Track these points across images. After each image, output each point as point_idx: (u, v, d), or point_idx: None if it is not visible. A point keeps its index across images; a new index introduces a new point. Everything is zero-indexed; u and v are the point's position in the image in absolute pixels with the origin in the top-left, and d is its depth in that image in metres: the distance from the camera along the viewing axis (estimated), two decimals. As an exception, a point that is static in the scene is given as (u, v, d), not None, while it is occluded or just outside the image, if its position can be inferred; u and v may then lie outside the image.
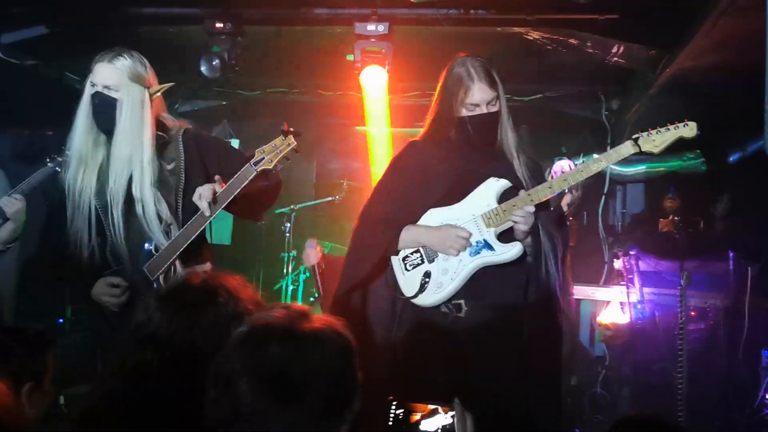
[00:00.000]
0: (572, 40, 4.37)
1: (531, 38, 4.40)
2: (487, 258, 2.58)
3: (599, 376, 4.88)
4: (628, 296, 4.73)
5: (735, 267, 4.49)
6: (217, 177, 2.61)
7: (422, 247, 2.66)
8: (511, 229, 2.60)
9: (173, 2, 4.33)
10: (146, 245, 2.61)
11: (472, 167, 2.66)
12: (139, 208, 2.59)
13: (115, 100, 2.57)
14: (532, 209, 2.52)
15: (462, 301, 2.60)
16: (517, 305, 2.62)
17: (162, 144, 2.67)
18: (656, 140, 2.49)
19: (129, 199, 2.60)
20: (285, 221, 5.98)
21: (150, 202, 2.59)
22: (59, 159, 2.85)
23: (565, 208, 4.53)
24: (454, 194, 2.67)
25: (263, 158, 2.58)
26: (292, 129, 2.59)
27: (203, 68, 4.38)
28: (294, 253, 6.02)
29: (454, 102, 2.61)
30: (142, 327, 1.58)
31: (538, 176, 2.70)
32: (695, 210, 4.59)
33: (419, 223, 2.70)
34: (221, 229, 6.19)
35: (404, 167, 2.79)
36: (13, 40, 4.56)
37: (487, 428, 2.35)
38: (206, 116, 6.58)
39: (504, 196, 2.61)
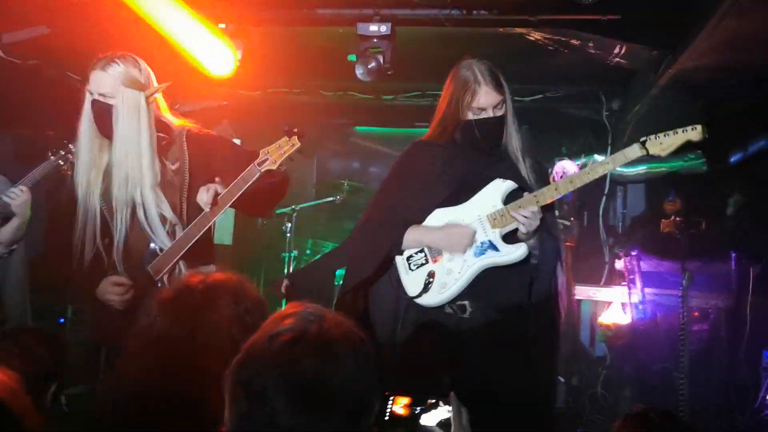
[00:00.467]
0: (574, 41, 4.37)
1: (533, 39, 4.40)
2: (491, 259, 2.59)
3: (600, 376, 4.89)
4: (629, 297, 4.74)
5: (737, 267, 4.50)
6: (218, 179, 2.61)
7: (426, 246, 2.66)
8: (515, 231, 2.60)
9: (175, 2, 4.32)
10: (151, 245, 2.62)
11: (478, 169, 2.67)
12: (140, 212, 2.60)
13: (111, 106, 2.57)
14: (538, 210, 2.53)
15: (466, 302, 2.61)
16: (521, 306, 2.63)
17: (164, 145, 2.67)
18: (663, 143, 2.50)
19: (132, 203, 2.61)
20: (286, 221, 5.98)
21: (151, 205, 2.60)
22: (62, 153, 2.85)
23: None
24: (459, 195, 2.68)
25: (267, 159, 2.58)
26: (296, 129, 2.59)
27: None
28: (295, 253, 6.02)
29: (461, 105, 2.61)
30: (144, 331, 1.57)
31: (542, 178, 2.72)
32: (697, 210, 4.59)
33: (424, 223, 2.70)
34: (222, 230, 6.20)
35: (409, 167, 2.80)
36: (14, 40, 4.55)
37: (489, 428, 2.37)
38: (207, 116, 6.56)
39: (509, 198, 2.62)
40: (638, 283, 4.73)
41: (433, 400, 1.66)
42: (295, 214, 5.98)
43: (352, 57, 4.41)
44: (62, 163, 2.83)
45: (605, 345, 4.94)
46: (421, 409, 1.65)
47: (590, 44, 4.37)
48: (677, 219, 4.36)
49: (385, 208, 2.78)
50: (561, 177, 5.28)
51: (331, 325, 1.32)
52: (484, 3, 4.04)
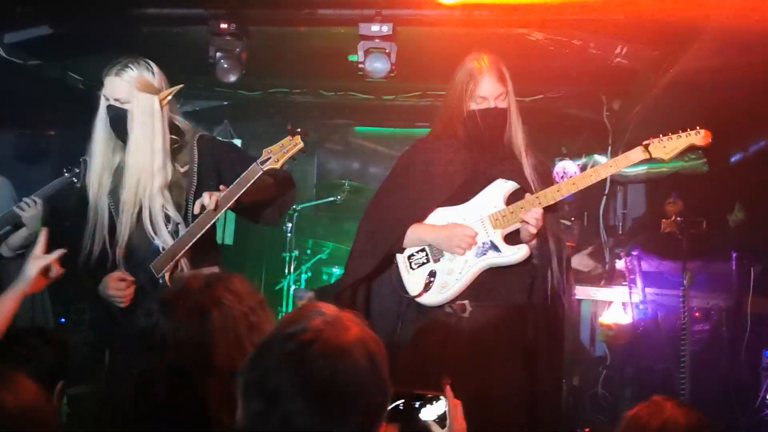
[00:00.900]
0: (575, 41, 4.38)
1: (534, 39, 4.40)
2: (493, 259, 2.59)
3: (600, 376, 4.89)
4: (630, 297, 4.74)
5: (738, 268, 4.49)
6: (222, 186, 2.64)
7: (428, 246, 2.66)
8: (516, 231, 2.60)
9: (177, 3, 4.32)
10: (154, 243, 2.64)
11: (480, 167, 2.67)
12: (145, 213, 2.64)
13: (126, 111, 2.62)
14: (540, 211, 2.52)
15: (466, 302, 2.61)
16: (521, 307, 2.63)
17: (176, 147, 2.70)
18: (667, 147, 2.51)
19: (140, 203, 2.65)
20: (286, 221, 5.99)
21: (157, 205, 2.64)
22: (77, 170, 2.90)
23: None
24: (461, 194, 2.68)
25: (270, 158, 2.60)
26: (299, 129, 2.60)
27: (219, 72, 4.37)
28: (296, 253, 6.03)
29: (464, 96, 2.62)
30: (146, 333, 1.55)
31: (545, 178, 2.71)
32: (697, 211, 4.59)
33: (426, 222, 2.69)
34: (224, 230, 6.20)
35: (412, 165, 2.80)
36: (16, 40, 4.56)
37: (488, 429, 2.37)
38: (207, 116, 6.58)
39: (512, 198, 2.62)
40: (639, 283, 4.73)
41: (431, 395, 1.68)
42: (295, 215, 5.99)
43: (352, 57, 4.41)
44: (75, 180, 2.89)
45: (606, 345, 4.93)
46: (419, 404, 1.66)
47: (591, 44, 4.37)
48: (678, 219, 4.36)
49: (387, 206, 2.78)
50: (561, 177, 5.30)
51: (347, 326, 1.32)
52: (485, 3, 4.04)
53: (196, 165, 2.73)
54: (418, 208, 2.71)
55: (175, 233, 2.66)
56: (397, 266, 2.73)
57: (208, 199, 2.57)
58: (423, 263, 2.66)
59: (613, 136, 5.75)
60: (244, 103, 6.44)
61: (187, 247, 2.62)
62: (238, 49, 4.31)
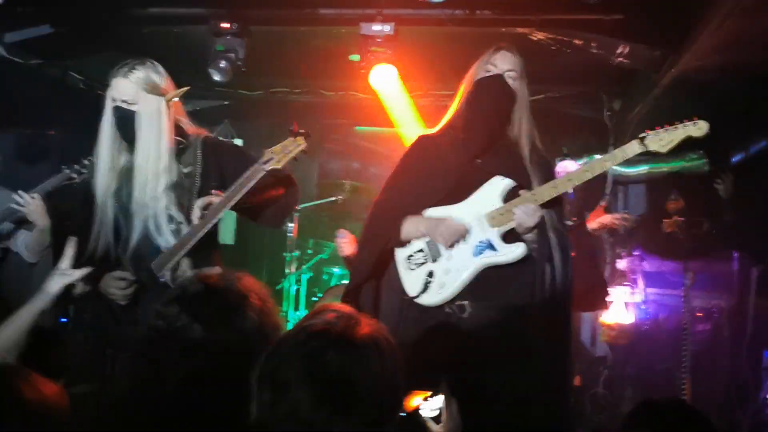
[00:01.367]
0: (577, 41, 4.37)
1: (535, 39, 4.40)
2: (490, 258, 2.55)
3: (601, 376, 4.89)
4: (632, 296, 4.75)
5: (739, 268, 4.50)
6: (213, 191, 2.65)
7: (426, 245, 2.64)
8: (516, 229, 2.58)
9: (178, 2, 4.33)
10: (156, 241, 2.64)
11: (479, 164, 2.64)
12: (149, 213, 2.64)
13: (133, 113, 2.62)
14: (535, 208, 2.48)
15: (466, 302, 2.57)
16: (522, 306, 2.57)
17: (180, 149, 2.72)
18: (664, 139, 2.43)
19: (142, 204, 2.65)
20: (287, 221, 5.98)
21: (161, 206, 2.64)
22: (76, 167, 2.89)
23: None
24: (459, 192, 2.64)
25: (272, 158, 2.59)
26: (302, 130, 2.60)
27: (214, 73, 4.38)
28: (296, 253, 6.03)
29: (476, 71, 2.64)
30: (169, 335, 1.52)
31: (548, 175, 2.66)
32: (699, 210, 4.59)
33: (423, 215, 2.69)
34: (224, 229, 6.20)
35: (414, 160, 2.79)
36: (17, 39, 4.56)
37: (489, 429, 2.35)
38: (208, 116, 6.57)
39: (509, 196, 2.57)
40: (640, 283, 4.74)
41: (430, 393, 1.69)
42: (296, 214, 5.99)
43: (354, 57, 4.41)
44: (75, 176, 2.89)
45: (607, 345, 4.94)
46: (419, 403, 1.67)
47: (593, 44, 4.37)
48: (679, 219, 4.36)
49: (387, 203, 2.77)
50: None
51: (359, 323, 1.33)
52: (487, 3, 4.04)
53: (199, 166, 2.74)
54: (417, 205, 2.69)
55: (177, 233, 2.66)
56: (396, 266, 2.72)
57: (204, 203, 2.59)
58: (422, 263, 2.65)
59: (614, 136, 5.75)
60: (244, 102, 6.44)
61: (188, 247, 2.62)
62: (238, 48, 4.31)
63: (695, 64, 3.93)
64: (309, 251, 6.24)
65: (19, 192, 3.01)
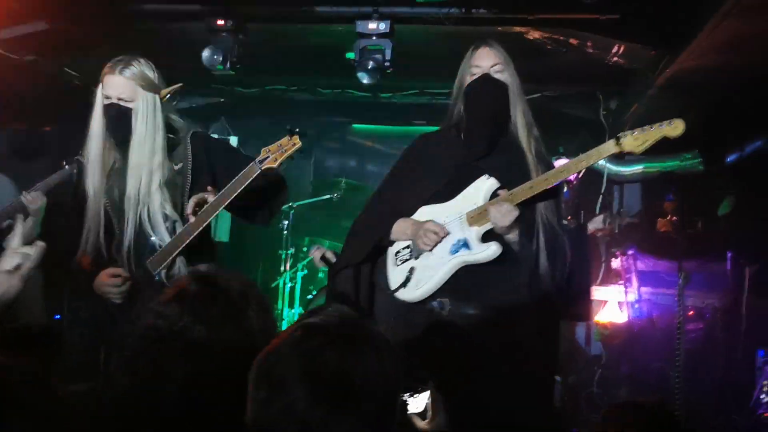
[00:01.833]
0: (572, 40, 4.38)
1: (531, 38, 4.41)
2: (464, 257, 2.55)
3: (595, 375, 4.91)
4: (626, 296, 4.76)
5: (733, 267, 4.51)
6: (209, 188, 2.64)
7: (412, 242, 2.66)
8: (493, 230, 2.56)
9: (173, -1, 4.32)
10: (151, 240, 2.64)
11: (474, 161, 2.63)
12: (144, 210, 2.63)
13: (130, 110, 2.62)
14: (511, 208, 2.46)
15: (446, 300, 2.59)
16: (504, 305, 2.56)
17: (170, 145, 2.71)
18: (639, 139, 2.41)
19: (138, 201, 2.65)
20: (283, 219, 5.98)
21: (156, 204, 2.65)
22: (77, 161, 2.88)
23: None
24: (450, 189, 2.65)
25: (268, 156, 2.60)
26: (297, 129, 2.60)
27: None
28: (292, 250, 6.03)
29: (465, 76, 2.63)
30: (169, 334, 1.49)
31: (547, 168, 2.60)
32: (693, 210, 4.61)
33: (413, 216, 2.69)
34: (220, 227, 6.19)
35: (411, 158, 2.81)
36: (12, 35, 4.54)
37: (467, 426, 2.36)
38: (204, 113, 6.57)
39: (495, 195, 2.56)
40: (635, 282, 4.75)
41: (416, 389, 1.70)
42: (292, 212, 5.99)
43: (350, 55, 4.41)
44: (76, 172, 2.88)
45: (601, 344, 4.95)
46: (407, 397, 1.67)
47: (588, 44, 4.38)
48: (674, 218, 4.38)
49: (382, 199, 2.81)
50: (558, 176, 5.29)
51: (359, 324, 1.33)
52: (483, 2, 4.04)
53: (190, 162, 2.74)
54: (409, 202, 2.71)
55: (171, 231, 2.66)
56: (385, 260, 2.74)
57: (192, 203, 2.59)
58: (406, 259, 2.67)
59: (609, 135, 5.75)
60: (240, 100, 6.43)
61: (185, 245, 2.63)
62: (231, 46, 4.30)
63: (691, 64, 3.94)
64: (304, 249, 6.24)
65: (24, 193, 3.02)
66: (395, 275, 2.69)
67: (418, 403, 1.69)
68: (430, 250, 2.58)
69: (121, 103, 2.61)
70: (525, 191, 2.49)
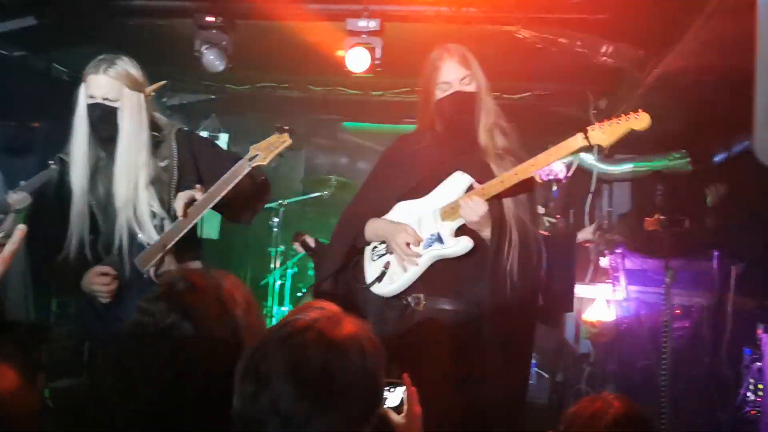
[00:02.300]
0: (562, 40, 4.40)
1: (521, 37, 4.42)
2: (437, 251, 2.57)
3: (584, 372, 4.94)
4: (614, 294, 4.79)
5: (719, 266, 4.55)
6: (197, 186, 2.65)
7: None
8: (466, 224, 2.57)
9: (163, -6, 4.31)
10: (139, 237, 2.64)
11: (446, 159, 2.66)
12: (130, 208, 2.63)
13: (116, 109, 2.61)
14: (480, 202, 2.47)
15: (421, 294, 2.61)
16: (476, 299, 2.58)
17: (155, 143, 2.70)
18: (606, 132, 2.45)
19: (126, 199, 2.65)
20: (273, 216, 5.99)
21: (143, 201, 2.65)
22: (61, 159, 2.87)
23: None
24: (425, 187, 2.67)
25: (258, 154, 2.61)
26: (287, 127, 2.61)
27: (206, 62, 4.35)
28: (282, 248, 6.03)
29: (431, 87, 2.62)
30: (158, 332, 1.50)
31: (515, 165, 2.60)
32: (681, 209, 4.63)
33: (387, 216, 2.71)
34: (209, 224, 6.19)
35: (389, 160, 2.83)
36: (1, 31, 4.52)
37: (440, 421, 2.37)
38: (195, 110, 6.56)
39: (470, 190, 2.58)
40: (622, 281, 4.78)
41: (389, 383, 1.71)
42: (282, 210, 5.99)
43: (341, 52, 4.41)
44: (58, 170, 2.87)
45: (590, 342, 4.98)
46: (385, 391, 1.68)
47: (578, 43, 4.40)
48: (661, 217, 4.41)
49: (360, 201, 2.83)
50: (547, 175, 5.32)
51: (343, 322, 1.35)
52: (473, 0, 4.05)
53: (175, 160, 2.74)
54: (380, 202, 2.73)
55: (160, 228, 2.66)
56: (362, 256, 2.76)
57: (182, 201, 2.58)
58: (382, 254, 2.69)
59: (599, 134, 5.77)
60: (231, 97, 6.42)
61: (173, 242, 2.63)
62: (224, 42, 4.30)
63: (678, 64, 3.97)
64: (294, 247, 6.24)
65: (9, 193, 3.01)
66: (371, 270, 2.71)
67: (393, 397, 1.71)
68: (403, 257, 2.59)
69: (107, 102, 2.60)
70: (496, 185, 2.51)
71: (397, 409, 1.70)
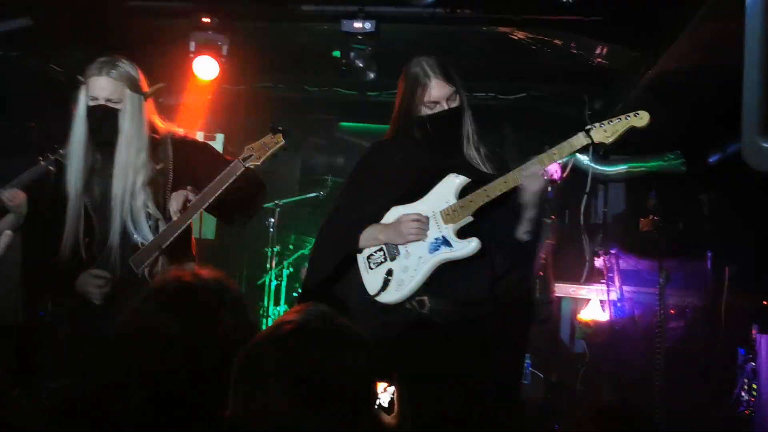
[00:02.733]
0: (557, 41, 4.42)
1: (516, 38, 4.44)
2: (445, 254, 2.57)
3: (579, 372, 4.95)
4: (608, 294, 4.80)
5: (713, 267, 4.57)
6: (190, 187, 2.66)
7: (384, 244, 2.66)
8: (470, 225, 2.58)
9: (159, -5, 4.32)
10: (134, 237, 2.65)
11: (434, 164, 2.66)
12: (128, 209, 2.63)
13: (117, 110, 2.63)
14: (540, 169, 2.49)
15: (425, 298, 2.60)
16: (481, 301, 2.60)
17: (153, 145, 2.72)
18: (608, 130, 2.48)
19: (123, 200, 2.66)
20: (269, 216, 5.98)
21: (139, 203, 2.66)
22: (52, 158, 2.87)
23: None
24: (416, 191, 2.67)
25: (252, 155, 2.61)
26: (281, 127, 2.62)
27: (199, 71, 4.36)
28: (278, 248, 6.03)
29: (414, 102, 2.61)
30: (145, 332, 1.51)
31: (502, 167, 2.67)
32: (675, 210, 4.65)
33: (381, 221, 2.70)
34: (205, 224, 6.17)
35: (370, 165, 2.79)
36: (-3, 31, 4.53)
37: (446, 423, 2.38)
38: (190, 110, 6.53)
39: (464, 192, 2.59)
40: (617, 281, 4.79)
41: (384, 383, 1.71)
42: (278, 210, 5.98)
43: (336, 53, 4.42)
44: (52, 168, 2.87)
45: (584, 342, 4.99)
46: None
47: (572, 44, 4.42)
48: (655, 218, 4.42)
49: (345, 208, 2.78)
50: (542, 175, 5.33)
51: (337, 324, 1.35)
52: (468, 2, 4.07)
53: (171, 162, 2.75)
54: (374, 209, 2.71)
55: (155, 229, 2.67)
56: (356, 267, 2.72)
57: (175, 202, 2.60)
58: (381, 262, 2.66)
59: (594, 135, 5.78)
60: (227, 97, 6.40)
61: (168, 242, 2.63)
62: (220, 43, 4.31)
63: (672, 65, 3.98)
64: (290, 247, 6.25)
65: (7, 188, 3.00)
66: (371, 280, 2.67)
67: (384, 398, 1.71)
68: (418, 239, 2.59)
69: (109, 104, 2.62)
70: (500, 185, 2.52)
71: (388, 410, 1.71)
